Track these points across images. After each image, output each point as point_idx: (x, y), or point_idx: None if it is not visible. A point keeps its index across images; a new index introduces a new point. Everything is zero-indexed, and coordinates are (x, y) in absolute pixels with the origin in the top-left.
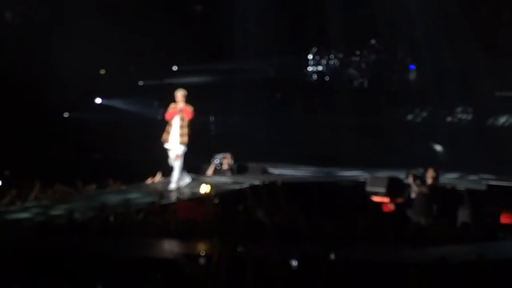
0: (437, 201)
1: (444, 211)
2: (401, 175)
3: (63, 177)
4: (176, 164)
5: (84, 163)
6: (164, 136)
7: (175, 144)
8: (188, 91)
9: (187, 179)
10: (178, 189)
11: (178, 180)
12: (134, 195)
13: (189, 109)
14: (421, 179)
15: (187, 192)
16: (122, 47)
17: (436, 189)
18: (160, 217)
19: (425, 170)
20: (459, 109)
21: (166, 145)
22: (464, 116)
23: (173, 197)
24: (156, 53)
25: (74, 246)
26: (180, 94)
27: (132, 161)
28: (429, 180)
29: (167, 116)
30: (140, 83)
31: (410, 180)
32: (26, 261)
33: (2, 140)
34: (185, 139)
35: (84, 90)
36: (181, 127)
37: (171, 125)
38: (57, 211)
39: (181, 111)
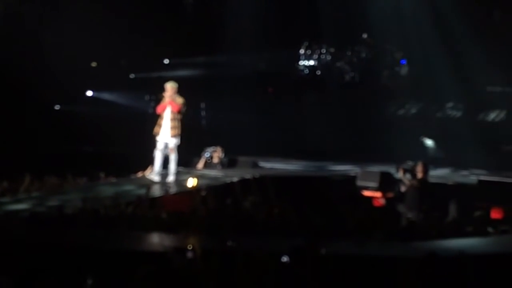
0: (427, 196)
1: (434, 205)
2: (391, 169)
3: (53, 169)
4: (172, 157)
5: (75, 156)
6: (156, 129)
7: (166, 136)
8: (179, 84)
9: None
10: (176, 181)
11: (176, 172)
12: (124, 188)
13: (178, 101)
14: (411, 173)
15: (175, 185)
16: (113, 40)
17: (426, 184)
18: (149, 210)
19: (415, 164)
20: (450, 104)
21: (157, 138)
22: (455, 111)
23: (162, 190)
24: (147, 46)
25: (64, 238)
26: (169, 86)
27: (123, 154)
28: (418, 174)
29: (158, 109)
30: (132, 76)
31: (400, 174)
32: (15, 253)
33: None
34: (177, 131)
35: (75, 82)
36: (172, 119)
37: (163, 118)
38: (47, 203)
39: (169, 103)
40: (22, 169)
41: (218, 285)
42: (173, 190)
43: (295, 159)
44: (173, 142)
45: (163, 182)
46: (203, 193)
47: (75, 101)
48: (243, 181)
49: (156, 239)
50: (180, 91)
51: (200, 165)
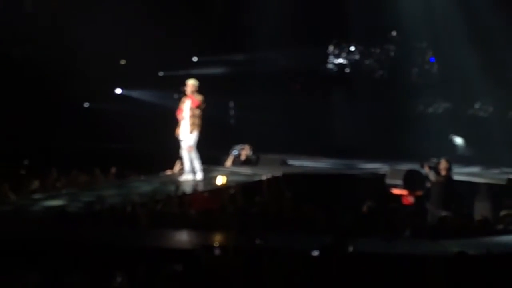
0: (451, 193)
1: (460, 203)
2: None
3: (82, 167)
4: (192, 155)
5: (104, 153)
6: (177, 130)
7: (186, 134)
8: (208, 82)
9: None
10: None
11: (201, 168)
12: (153, 186)
13: (197, 98)
14: (435, 169)
15: (203, 183)
16: (142, 37)
17: (450, 181)
18: (178, 207)
19: (438, 161)
20: (479, 102)
21: (180, 138)
22: (484, 109)
23: (191, 188)
24: (176, 43)
25: (93, 235)
26: (190, 83)
27: (152, 152)
28: (442, 172)
29: (178, 113)
30: (160, 73)
31: (426, 170)
32: (44, 250)
33: (22, 129)
34: (195, 128)
35: (104, 80)
36: (191, 116)
37: (182, 118)
38: (76, 200)
39: (189, 98)
40: (52, 167)
41: (246, 283)
42: (202, 188)
43: (323, 157)
44: (191, 138)
45: (192, 180)
46: (232, 191)
47: (104, 99)
48: (271, 179)
49: (185, 237)
50: (208, 89)
51: (229, 163)
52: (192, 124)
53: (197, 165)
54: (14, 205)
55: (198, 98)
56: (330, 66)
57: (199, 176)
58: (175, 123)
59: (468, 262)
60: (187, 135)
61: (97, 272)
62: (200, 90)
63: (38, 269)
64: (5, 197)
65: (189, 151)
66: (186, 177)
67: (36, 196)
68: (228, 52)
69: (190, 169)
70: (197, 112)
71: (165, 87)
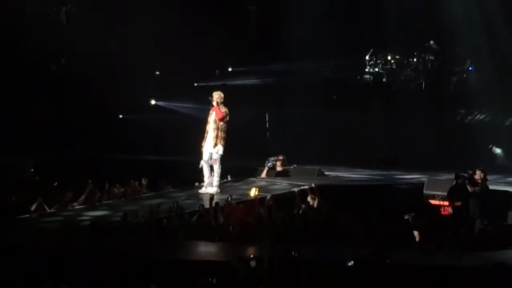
0: (487, 203)
1: (495, 213)
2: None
3: (117, 178)
4: (215, 168)
5: (138, 164)
6: (203, 142)
7: (210, 147)
8: (243, 92)
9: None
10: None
11: (218, 184)
12: (187, 198)
13: (222, 110)
14: (469, 180)
15: (237, 196)
16: (177, 48)
17: (486, 191)
18: (212, 220)
19: (473, 172)
20: None
21: (202, 149)
22: None
23: (224, 200)
24: (211, 54)
25: (127, 247)
26: (216, 95)
27: (187, 163)
28: (478, 182)
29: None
30: (195, 84)
31: (462, 180)
32: (78, 262)
33: (57, 140)
34: (219, 140)
35: (139, 91)
36: (215, 129)
37: (207, 131)
38: (111, 212)
39: (214, 109)
40: (86, 178)
41: None
42: (236, 200)
43: (360, 168)
44: (216, 152)
45: (209, 193)
46: (267, 203)
47: (139, 110)
48: (307, 190)
49: (221, 249)
50: (244, 100)
51: (264, 174)
52: (216, 137)
53: (216, 179)
54: (49, 217)
55: (223, 110)
56: (367, 75)
57: (214, 190)
58: (202, 134)
59: (508, 273)
60: (211, 148)
61: (133, 284)
62: (232, 101)
63: (74, 281)
64: (41, 209)
65: (214, 164)
66: (205, 190)
67: (71, 208)
68: (264, 62)
69: (209, 181)
70: (222, 124)
71: (200, 98)
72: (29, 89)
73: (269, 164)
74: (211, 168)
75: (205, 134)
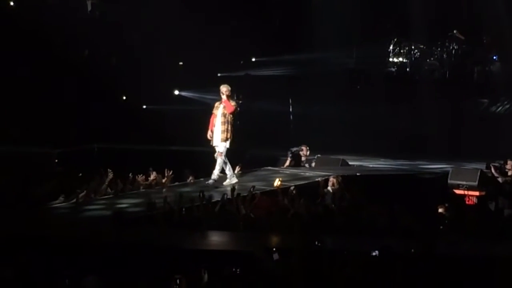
0: None
1: None
2: (482, 167)
3: (140, 168)
4: (218, 160)
5: (161, 155)
6: (208, 135)
7: (217, 140)
8: (267, 82)
9: (234, 179)
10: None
11: (217, 177)
12: (210, 188)
13: (232, 103)
14: (500, 170)
15: (261, 186)
16: (201, 38)
17: None
18: (236, 210)
19: (504, 162)
20: None
21: (212, 143)
22: None
23: (248, 190)
24: (234, 44)
25: (152, 237)
26: (224, 88)
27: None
28: (508, 172)
29: (210, 124)
30: (219, 74)
31: (492, 171)
32: (103, 253)
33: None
34: (227, 135)
35: (163, 81)
36: (223, 123)
37: (214, 125)
38: (135, 202)
39: (223, 106)
40: (109, 168)
41: (306, 285)
42: (259, 190)
43: (384, 157)
44: (222, 146)
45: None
46: (290, 193)
47: (163, 100)
48: (331, 180)
49: (245, 239)
50: (268, 89)
51: (287, 164)
52: (224, 131)
53: (216, 171)
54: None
55: (233, 103)
56: (390, 65)
57: (210, 182)
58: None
59: None
60: (218, 141)
61: (155, 274)
62: (255, 91)
63: (97, 272)
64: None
65: (218, 157)
66: (229, 181)
67: (93, 199)
68: (287, 52)
69: (231, 173)
70: (231, 118)
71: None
72: (55, 80)
73: (292, 154)
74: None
75: (210, 127)
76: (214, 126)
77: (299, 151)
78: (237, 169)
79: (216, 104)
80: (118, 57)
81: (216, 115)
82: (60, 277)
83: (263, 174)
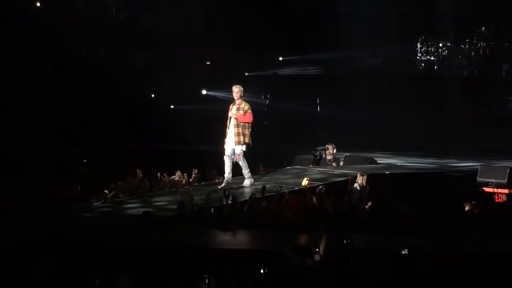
0: None
1: None
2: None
3: (168, 168)
4: (240, 163)
5: (187, 154)
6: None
7: (231, 143)
8: (294, 81)
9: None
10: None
11: (249, 175)
12: (238, 187)
13: (244, 108)
14: None
15: (288, 185)
16: (227, 38)
17: None
18: (264, 209)
19: None
20: None
21: (225, 146)
22: None
23: (275, 190)
24: (261, 43)
25: (180, 237)
26: (234, 89)
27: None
28: None
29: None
30: (246, 74)
31: None
32: (134, 253)
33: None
34: (242, 139)
35: (190, 81)
36: (236, 125)
37: (228, 126)
38: (162, 202)
39: (236, 108)
40: (138, 168)
41: (334, 284)
42: (287, 189)
43: (413, 155)
44: (238, 149)
45: (238, 187)
46: (319, 192)
47: (191, 100)
48: (359, 178)
49: (274, 238)
50: (294, 88)
51: (313, 163)
52: (237, 134)
53: (246, 171)
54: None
55: (246, 109)
56: (418, 63)
57: (247, 182)
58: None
59: None
60: (233, 144)
61: (185, 274)
62: (282, 90)
63: (127, 271)
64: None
65: (238, 160)
66: (223, 184)
67: (121, 199)
68: (314, 51)
69: (229, 176)
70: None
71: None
72: (82, 80)
73: (316, 154)
74: (235, 164)
75: (226, 130)
76: (228, 128)
77: (324, 150)
78: (261, 169)
79: (230, 106)
80: (145, 57)
81: (230, 118)
82: (90, 277)
83: (292, 174)
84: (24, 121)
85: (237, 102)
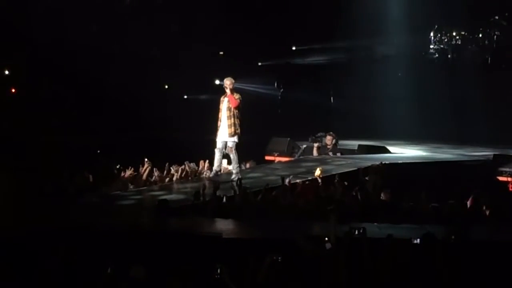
0: None
1: None
2: None
3: (179, 158)
4: (231, 156)
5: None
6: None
7: (224, 136)
8: (306, 70)
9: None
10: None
11: (238, 170)
12: (252, 176)
13: (236, 97)
14: None
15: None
16: (240, 28)
17: None
18: (278, 198)
19: None
20: None
21: (217, 139)
22: None
23: (288, 179)
24: (275, 33)
25: (194, 227)
26: (226, 82)
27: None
28: None
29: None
30: (260, 63)
31: None
32: (147, 242)
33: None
34: (234, 130)
35: (203, 71)
36: (229, 117)
37: (220, 119)
38: (175, 192)
39: (227, 100)
40: (149, 158)
41: (347, 273)
42: (301, 179)
43: (426, 145)
44: (231, 141)
45: (227, 181)
46: (332, 182)
47: (204, 90)
48: (372, 168)
49: (285, 227)
50: (307, 78)
51: (315, 152)
52: (231, 126)
53: (235, 165)
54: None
55: (237, 97)
56: (431, 52)
57: (234, 177)
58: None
59: None
60: (226, 136)
61: (198, 263)
62: (296, 79)
63: (140, 260)
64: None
65: (230, 152)
66: (210, 176)
67: (133, 188)
68: (327, 40)
69: (217, 169)
70: (237, 112)
71: (264, 77)
72: (94, 71)
73: (315, 142)
74: (225, 156)
75: (218, 123)
76: (221, 121)
77: (321, 137)
78: (275, 157)
79: (221, 98)
80: (159, 47)
81: (221, 110)
82: (103, 266)
83: (304, 164)
84: (36, 111)
85: (229, 94)
